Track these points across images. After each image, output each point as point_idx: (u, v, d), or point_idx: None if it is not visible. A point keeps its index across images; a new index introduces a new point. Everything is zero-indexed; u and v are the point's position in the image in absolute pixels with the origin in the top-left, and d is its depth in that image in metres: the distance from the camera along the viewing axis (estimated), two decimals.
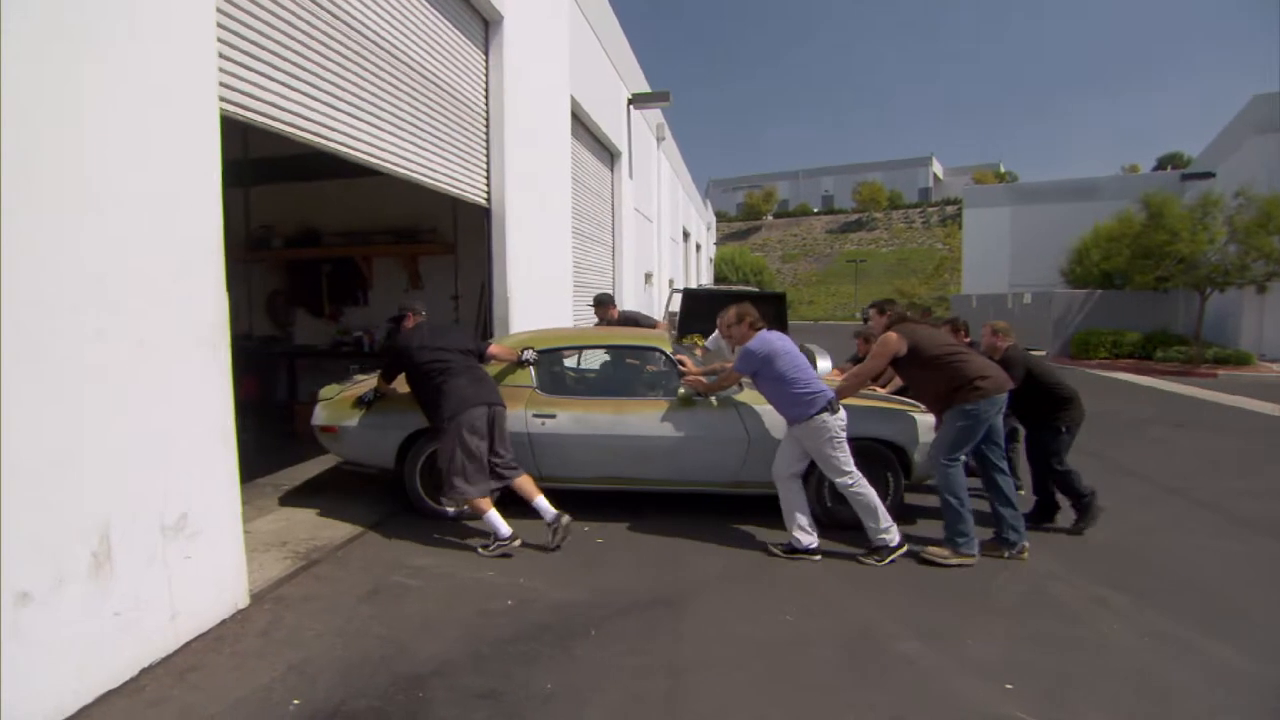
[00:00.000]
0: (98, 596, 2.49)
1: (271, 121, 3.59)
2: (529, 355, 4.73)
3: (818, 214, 79.06)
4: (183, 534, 2.87)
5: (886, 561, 3.88)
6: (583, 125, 10.40)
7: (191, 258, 2.93)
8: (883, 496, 4.12)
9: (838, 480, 3.95)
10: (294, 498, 5.04)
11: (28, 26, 2.25)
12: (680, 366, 4.63)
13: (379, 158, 4.75)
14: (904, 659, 2.86)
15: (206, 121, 3.01)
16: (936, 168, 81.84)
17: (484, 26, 6.64)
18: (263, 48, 3.55)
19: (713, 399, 4.52)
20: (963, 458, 3.97)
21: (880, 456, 4.42)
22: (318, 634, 3.01)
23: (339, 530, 4.31)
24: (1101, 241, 20.81)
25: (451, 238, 8.45)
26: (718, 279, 43.00)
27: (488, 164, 6.68)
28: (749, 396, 4.47)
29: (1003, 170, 73.82)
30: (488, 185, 6.68)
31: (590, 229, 10.97)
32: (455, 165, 6.00)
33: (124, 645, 2.62)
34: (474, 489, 3.99)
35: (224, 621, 3.10)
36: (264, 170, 8.35)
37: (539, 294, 7.74)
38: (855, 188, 76.69)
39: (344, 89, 4.30)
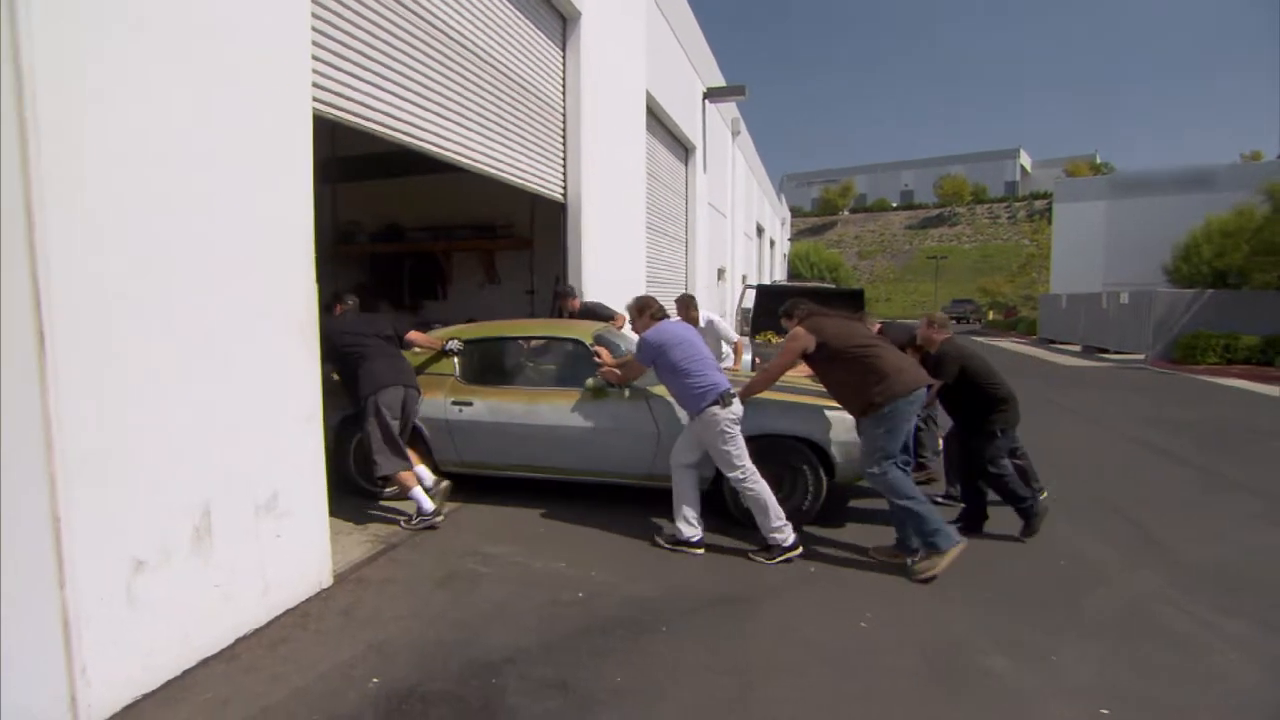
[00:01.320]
0: (200, 568, 2.65)
1: (363, 120, 3.72)
2: (453, 345, 4.85)
3: (896, 209, 76.58)
4: (274, 513, 3.02)
5: (775, 561, 3.77)
6: (658, 120, 10.38)
7: (284, 250, 3.07)
8: (803, 496, 4.17)
9: (728, 475, 3.87)
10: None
11: (172, 64, 2.39)
12: (596, 358, 4.56)
13: (465, 155, 4.87)
14: (987, 674, 2.71)
15: (301, 122, 3.14)
16: (1024, 160, 77.81)
17: (562, 23, 6.70)
18: (354, 49, 3.68)
19: (625, 391, 4.48)
20: (897, 461, 3.69)
21: (797, 454, 4.25)
22: (395, 616, 3.10)
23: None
24: (1214, 236, 19.30)
25: (528, 233, 8.60)
26: (791, 275, 42.26)
27: (564, 159, 6.75)
28: (665, 389, 4.27)
29: (1099, 161, 69.47)
30: (564, 180, 6.75)
31: (664, 224, 10.94)
32: (534, 161, 6.09)
33: (222, 615, 2.77)
34: (393, 464, 4.15)
35: (309, 599, 3.23)
36: (351, 167, 8.70)
37: (613, 288, 7.77)
38: (936, 182, 73.86)
39: (431, 88, 4.42)
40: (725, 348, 6.91)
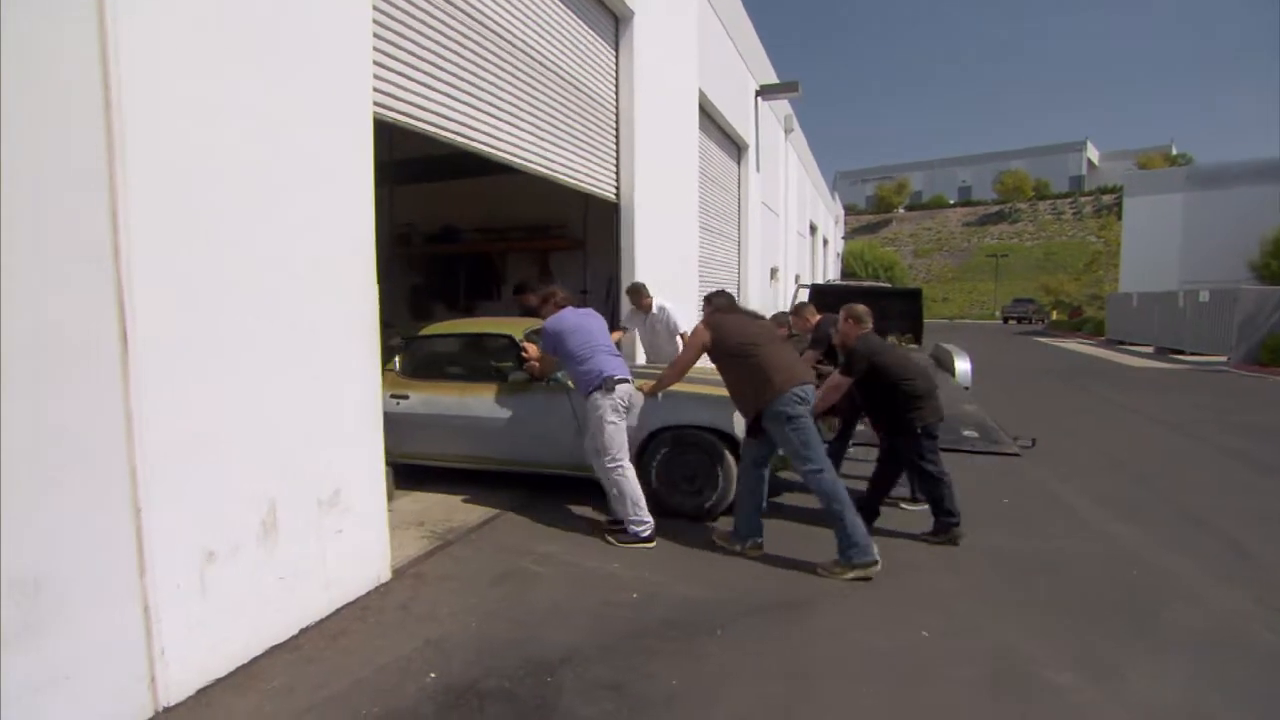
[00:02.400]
0: (266, 561, 2.73)
1: (416, 122, 3.78)
2: (395, 341, 5.06)
3: (954, 206, 74.33)
4: (336, 509, 3.10)
5: (622, 544, 3.93)
6: (710, 118, 10.31)
7: (347, 253, 3.15)
8: (713, 490, 4.31)
9: (593, 460, 4.07)
10: (431, 480, 5.32)
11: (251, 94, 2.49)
12: (523, 353, 4.69)
13: (518, 155, 4.92)
14: (1054, 691, 2.58)
15: (362, 127, 3.21)
16: (1091, 153, 74.36)
17: (614, 23, 6.71)
18: (411, 54, 3.75)
19: (547, 383, 4.65)
20: (821, 461, 3.67)
21: (708, 446, 4.31)
22: (452, 612, 3.15)
23: (472, 514, 4.51)
24: None
25: (580, 233, 8.64)
26: (845, 274, 41.49)
27: (617, 159, 6.76)
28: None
29: (1174, 153, 65.90)
30: (617, 180, 6.76)
31: (716, 223, 10.87)
32: (586, 161, 6.12)
33: (287, 606, 2.85)
34: None
35: (369, 593, 3.31)
36: (407, 170, 8.90)
37: (665, 288, 7.74)
38: (996, 177, 71.29)
39: (484, 89, 4.48)
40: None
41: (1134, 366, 15.83)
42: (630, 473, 4.00)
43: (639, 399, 4.16)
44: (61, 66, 2.03)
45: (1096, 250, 44.46)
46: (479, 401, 4.80)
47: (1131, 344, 21.93)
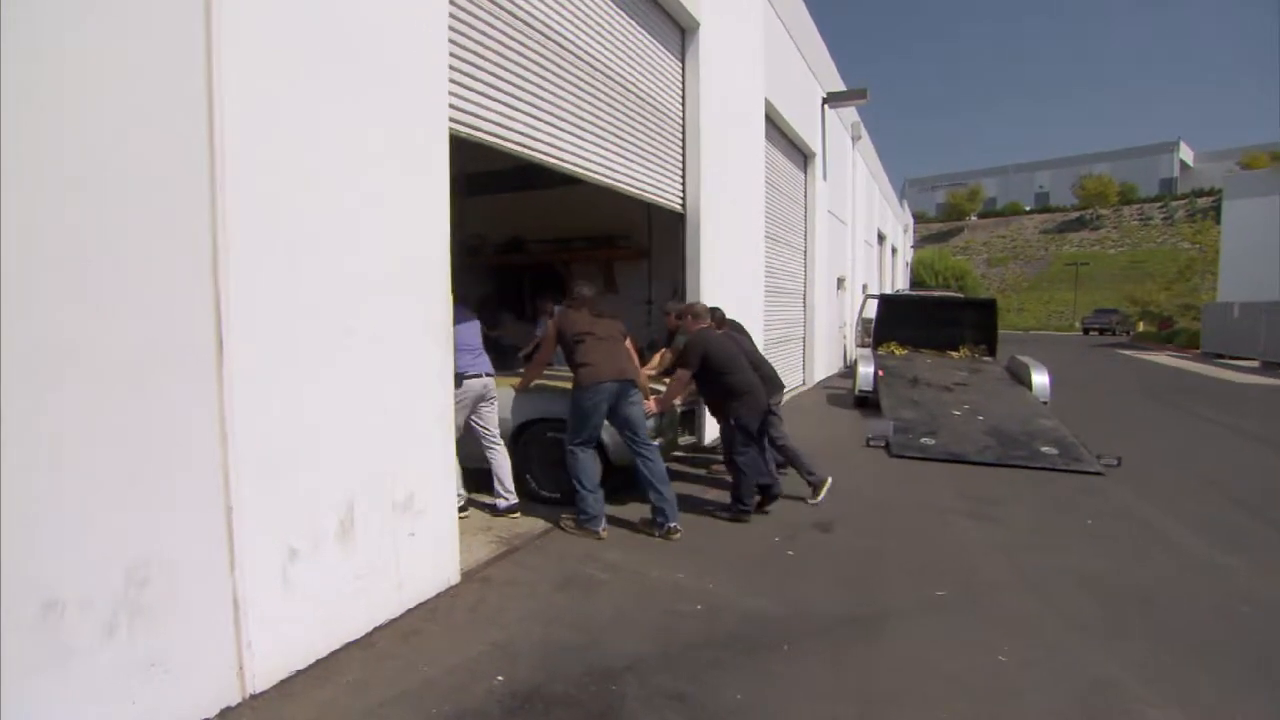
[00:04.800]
0: (344, 560, 2.84)
1: (473, 131, 3.82)
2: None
3: (1030, 212, 71.41)
4: (409, 511, 3.20)
5: (500, 515, 4.52)
6: (776, 127, 10.23)
7: (423, 266, 3.26)
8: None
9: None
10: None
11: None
12: None
13: (584, 167, 4.99)
14: None
15: (439, 143, 3.33)
16: (1185, 154, 70.10)
17: (680, 35, 6.75)
18: (484, 70, 3.85)
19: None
20: (584, 444, 4.25)
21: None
22: (519, 617, 3.20)
23: (538, 520, 4.57)
24: None
25: (645, 243, 8.68)
26: (914, 283, 40.32)
27: (683, 170, 6.78)
28: None
29: None
30: (683, 191, 6.77)
31: (782, 232, 10.75)
32: (652, 172, 6.16)
33: (362, 605, 2.96)
34: None
35: (438, 595, 3.39)
36: (476, 183, 9.16)
37: (731, 298, 7.70)
38: (1076, 182, 68.04)
39: (550, 101, 4.56)
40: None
41: (1236, 382, 14.72)
42: (501, 455, 4.56)
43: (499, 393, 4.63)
44: (174, 111, 2.19)
45: (1191, 257, 41.72)
46: None
47: (1232, 357, 20.48)
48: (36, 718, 1.92)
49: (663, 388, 4.93)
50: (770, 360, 9.74)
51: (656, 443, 4.57)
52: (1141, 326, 35.61)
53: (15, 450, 1.86)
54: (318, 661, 2.72)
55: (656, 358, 5.79)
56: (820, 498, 5.02)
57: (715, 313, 4.95)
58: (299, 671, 2.64)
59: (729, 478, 4.80)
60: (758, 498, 4.71)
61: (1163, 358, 21.93)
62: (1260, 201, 27.81)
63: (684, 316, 4.84)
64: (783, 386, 5.32)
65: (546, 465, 4.83)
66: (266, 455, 2.49)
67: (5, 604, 1.84)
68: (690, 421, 5.55)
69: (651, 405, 4.62)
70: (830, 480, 5.13)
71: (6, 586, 1.84)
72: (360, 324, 2.91)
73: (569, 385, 4.41)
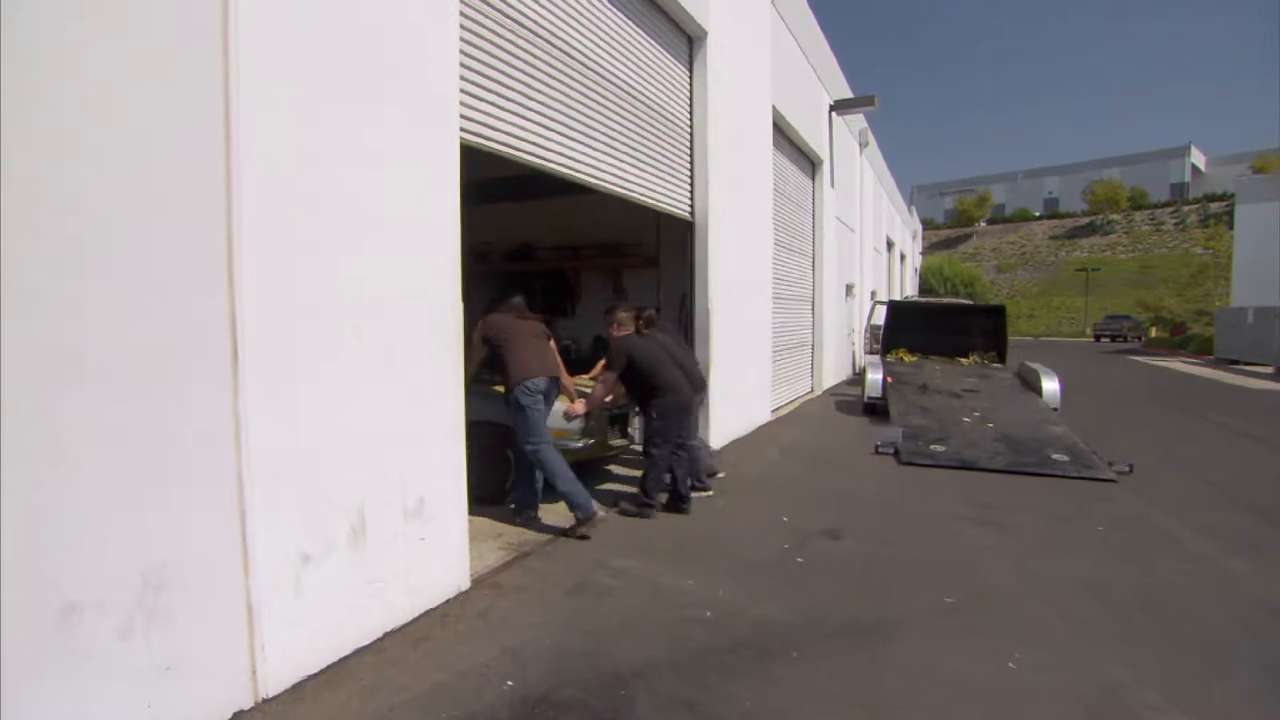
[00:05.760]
0: (355, 565, 2.87)
1: (484, 141, 3.87)
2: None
3: (1039, 218, 71.01)
4: (420, 517, 3.22)
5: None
6: (784, 135, 10.25)
7: (434, 274, 3.30)
8: (505, 473, 4.91)
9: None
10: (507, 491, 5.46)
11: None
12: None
13: (593, 175, 5.03)
14: None
15: (450, 154, 3.37)
16: (1196, 158, 69.58)
17: (688, 44, 6.79)
18: (491, 78, 3.89)
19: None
20: (538, 440, 4.34)
21: (499, 436, 4.83)
22: (529, 622, 3.21)
23: (548, 527, 4.58)
24: None
25: (654, 251, 8.72)
26: (923, 290, 40.22)
27: (691, 177, 6.81)
28: None
29: None
30: (691, 198, 6.80)
31: (791, 239, 10.76)
32: (661, 180, 6.19)
33: (373, 610, 2.98)
34: None
35: (448, 600, 3.41)
36: (484, 191, 9.23)
37: (739, 305, 7.72)
38: (1086, 187, 67.63)
39: (560, 110, 4.60)
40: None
41: (1250, 388, 14.56)
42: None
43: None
44: (191, 125, 2.24)
45: (1203, 262, 41.31)
46: None
47: (1246, 363, 20.27)
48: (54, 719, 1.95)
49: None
50: (778, 366, 9.78)
51: (582, 443, 4.99)
52: (1154, 332, 35.31)
53: (36, 454, 1.89)
54: (329, 666, 2.74)
55: (598, 366, 5.89)
56: (706, 492, 5.37)
57: (645, 313, 5.21)
58: (311, 676, 2.66)
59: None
60: (664, 497, 4.92)
61: (1175, 364, 21.75)
62: (1274, 206, 27.50)
63: (610, 322, 5.07)
64: (705, 385, 5.54)
65: (488, 463, 4.92)
66: (279, 461, 2.52)
67: (27, 606, 1.87)
68: (623, 423, 5.70)
69: (578, 407, 4.83)
70: (710, 493, 5.41)
71: (28, 589, 1.88)
72: (375, 335, 2.94)
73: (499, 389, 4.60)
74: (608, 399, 4.99)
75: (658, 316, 5.54)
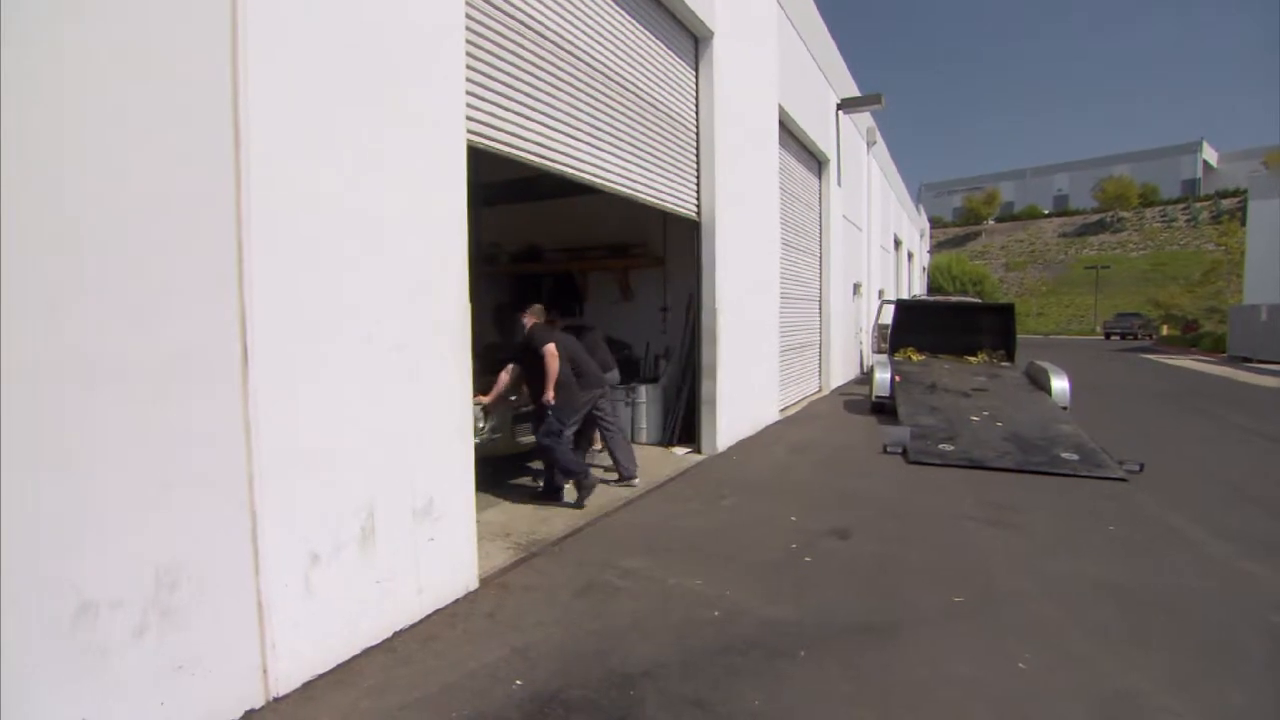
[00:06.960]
0: (365, 565, 2.88)
1: (490, 142, 3.88)
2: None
3: (1049, 216, 70.71)
4: (429, 518, 3.23)
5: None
6: (790, 134, 10.24)
7: (442, 276, 3.31)
8: None
9: None
10: (516, 492, 5.48)
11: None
12: None
13: (600, 176, 5.03)
14: None
15: (456, 156, 3.38)
16: (1208, 154, 69.01)
17: (694, 44, 6.79)
18: (500, 81, 3.91)
19: None
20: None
21: None
22: (537, 622, 3.22)
23: (555, 526, 4.60)
24: None
25: (661, 251, 8.71)
26: (932, 289, 40.05)
27: (698, 178, 6.81)
28: None
29: None
30: (697, 198, 6.80)
31: (797, 239, 10.75)
32: (668, 180, 6.19)
33: (383, 609, 2.99)
34: None
35: (457, 600, 3.42)
36: (492, 193, 9.25)
37: (746, 305, 7.71)
38: (1096, 185, 67.27)
39: (566, 112, 4.61)
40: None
41: (1265, 387, 14.41)
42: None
43: None
44: (197, 131, 2.25)
45: (1215, 259, 40.95)
46: None
47: (1260, 361, 20.09)
48: (69, 717, 1.97)
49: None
50: (785, 366, 9.75)
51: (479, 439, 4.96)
52: (1165, 330, 35.04)
53: (54, 455, 1.92)
54: (339, 665, 2.76)
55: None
56: (631, 486, 5.62)
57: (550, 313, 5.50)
58: (321, 675, 2.68)
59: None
60: (569, 484, 5.15)
61: (1187, 362, 21.58)
62: None
63: (526, 315, 5.27)
64: (604, 383, 5.63)
65: None
66: (290, 462, 2.54)
67: (43, 605, 1.89)
68: (534, 420, 5.71)
69: (482, 397, 4.94)
70: (638, 482, 5.68)
71: (45, 587, 1.90)
72: (384, 337, 2.96)
73: None
74: (512, 398, 5.30)
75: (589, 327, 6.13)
